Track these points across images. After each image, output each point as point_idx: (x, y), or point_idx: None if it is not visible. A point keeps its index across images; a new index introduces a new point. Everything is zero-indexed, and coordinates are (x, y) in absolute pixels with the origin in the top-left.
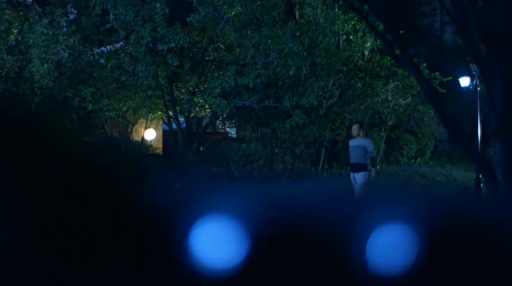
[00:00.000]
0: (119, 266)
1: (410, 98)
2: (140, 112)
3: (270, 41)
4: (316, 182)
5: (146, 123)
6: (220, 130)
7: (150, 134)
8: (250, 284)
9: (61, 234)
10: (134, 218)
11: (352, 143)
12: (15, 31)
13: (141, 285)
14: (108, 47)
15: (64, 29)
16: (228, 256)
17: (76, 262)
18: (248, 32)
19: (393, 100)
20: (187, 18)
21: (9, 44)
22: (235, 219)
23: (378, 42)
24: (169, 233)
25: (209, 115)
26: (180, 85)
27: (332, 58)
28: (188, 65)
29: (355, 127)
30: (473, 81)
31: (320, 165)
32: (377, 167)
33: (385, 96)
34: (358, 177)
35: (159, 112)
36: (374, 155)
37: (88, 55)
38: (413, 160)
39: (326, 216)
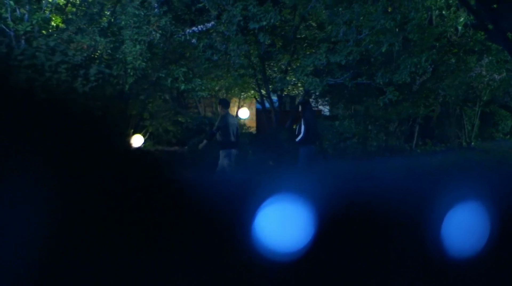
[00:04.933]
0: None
1: (505, 73)
2: (232, 91)
3: (361, 18)
4: (410, 159)
5: (239, 102)
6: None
7: (243, 113)
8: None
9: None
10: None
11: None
12: (107, 13)
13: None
14: (199, 27)
15: (156, 10)
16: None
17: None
18: (340, 9)
19: (488, 75)
20: None
21: (101, 26)
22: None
23: (471, 17)
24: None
25: (301, 93)
26: (272, 64)
27: (425, 33)
28: (280, 43)
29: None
30: None
31: (414, 142)
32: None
33: (479, 71)
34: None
35: (252, 91)
36: (214, 131)
37: (180, 35)
38: (508, 136)
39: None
